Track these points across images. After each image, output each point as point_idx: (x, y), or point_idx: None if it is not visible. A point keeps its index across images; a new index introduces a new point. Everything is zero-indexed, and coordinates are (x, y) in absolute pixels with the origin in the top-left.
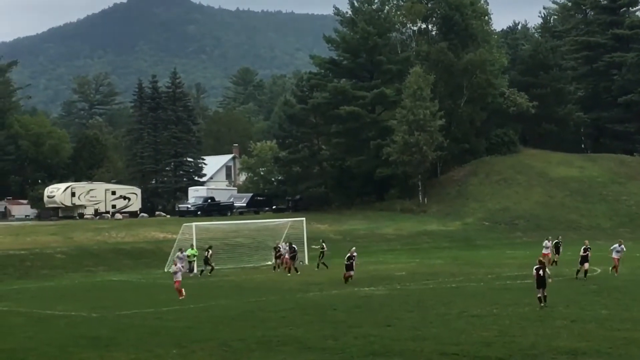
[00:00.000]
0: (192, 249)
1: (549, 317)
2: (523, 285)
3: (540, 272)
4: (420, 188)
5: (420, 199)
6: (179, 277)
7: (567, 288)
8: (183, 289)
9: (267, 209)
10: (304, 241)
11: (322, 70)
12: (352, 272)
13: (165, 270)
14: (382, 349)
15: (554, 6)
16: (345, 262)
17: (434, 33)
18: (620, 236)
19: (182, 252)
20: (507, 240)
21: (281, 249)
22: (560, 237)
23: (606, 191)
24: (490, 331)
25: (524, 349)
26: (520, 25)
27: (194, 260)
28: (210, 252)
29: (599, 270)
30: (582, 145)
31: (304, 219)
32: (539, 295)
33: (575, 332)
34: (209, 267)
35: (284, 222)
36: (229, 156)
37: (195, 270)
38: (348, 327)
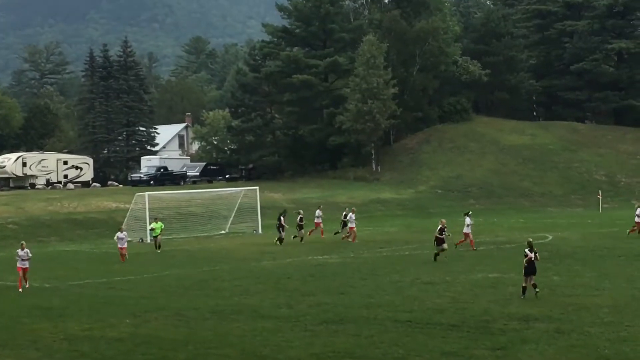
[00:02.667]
0: (156, 222)
1: (501, 283)
2: (475, 252)
3: (532, 256)
4: (373, 156)
5: (374, 167)
6: (26, 264)
7: (520, 255)
8: (25, 281)
9: (220, 178)
10: (257, 210)
11: (275, 39)
12: (445, 245)
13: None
14: (335, 316)
15: None
16: (437, 235)
17: (386, 1)
18: (572, 203)
19: (121, 232)
20: (460, 208)
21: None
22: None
23: (558, 158)
24: (443, 298)
25: (476, 315)
26: None
27: (160, 235)
28: (284, 218)
29: (550, 237)
30: (534, 113)
31: (257, 187)
32: (524, 284)
33: (527, 298)
34: (282, 234)
35: (238, 191)
36: (182, 125)
37: (159, 248)
38: (302, 295)
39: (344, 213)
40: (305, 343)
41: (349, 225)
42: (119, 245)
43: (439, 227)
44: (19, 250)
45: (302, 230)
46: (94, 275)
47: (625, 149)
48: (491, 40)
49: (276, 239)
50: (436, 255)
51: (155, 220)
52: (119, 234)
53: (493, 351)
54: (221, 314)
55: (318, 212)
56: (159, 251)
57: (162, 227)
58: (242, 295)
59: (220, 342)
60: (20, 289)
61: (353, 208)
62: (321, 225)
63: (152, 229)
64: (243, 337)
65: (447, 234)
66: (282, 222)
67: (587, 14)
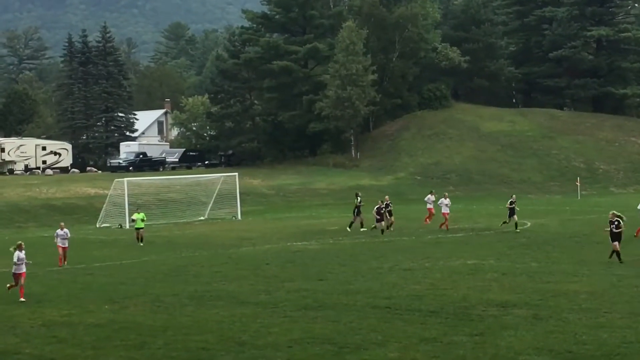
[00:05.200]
0: (138, 212)
1: (479, 270)
2: (454, 239)
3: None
4: (352, 143)
5: (353, 153)
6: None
7: (498, 242)
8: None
9: (199, 164)
10: (236, 196)
11: (254, 25)
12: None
13: (97, 226)
14: (314, 303)
15: None
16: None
17: None
18: (550, 190)
19: (62, 229)
20: (439, 195)
21: (429, 201)
22: None
23: (537, 145)
24: (421, 284)
25: (455, 301)
26: None
27: (143, 227)
28: (360, 199)
29: (529, 224)
30: (513, 100)
31: (236, 174)
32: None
33: (505, 284)
34: (359, 218)
35: (217, 177)
36: (161, 111)
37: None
38: (281, 281)
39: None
40: (284, 329)
41: (442, 210)
42: (59, 244)
43: (611, 219)
44: (19, 252)
45: (392, 217)
46: (72, 261)
47: (604, 136)
48: (471, 27)
49: (373, 226)
50: (617, 255)
51: (137, 210)
52: (58, 231)
53: (471, 337)
54: (200, 300)
55: (430, 197)
56: (141, 244)
57: (144, 217)
58: (221, 281)
59: (199, 328)
60: (22, 299)
61: (445, 193)
62: (433, 210)
63: (133, 220)
64: (222, 323)
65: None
66: (380, 211)
67: (566, 1)
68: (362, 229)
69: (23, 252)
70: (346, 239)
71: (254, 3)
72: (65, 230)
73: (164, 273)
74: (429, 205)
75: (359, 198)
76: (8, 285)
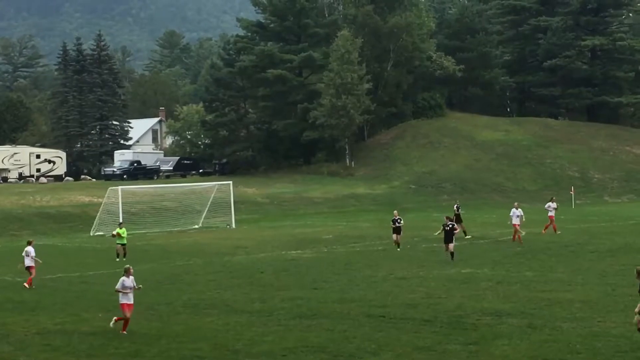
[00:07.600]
0: (120, 227)
1: (474, 279)
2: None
3: None
4: (347, 151)
5: (348, 162)
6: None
7: (493, 250)
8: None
9: (193, 172)
10: (230, 205)
11: (249, 34)
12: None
13: (91, 234)
14: (309, 311)
15: None
16: None
17: None
18: (545, 199)
19: (30, 244)
20: (434, 203)
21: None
22: None
23: (531, 154)
24: (416, 293)
25: (449, 310)
26: None
27: (125, 244)
28: (457, 206)
29: (524, 233)
30: (508, 109)
31: (230, 182)
32: None
33: (500, 293)
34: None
35: (211, 186)
36: (156, 119)
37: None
38: (275, 290)
39: (456, 205)
40: (278, 337)
41: (549, 214)
42: (30, 264)
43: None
44: (125, 278)
45: (462, 224)
46: (66, 270)
47: (599, 145)
48: (465, 36)
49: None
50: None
51: (120, 224)
52: (30, 249)
53: (466, 346)
54: (194, 308)
55: (551, 204)
56: (117, 260)
57: (124, 233)
58: (215, 289)
59: (193, 336)
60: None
61: (515, 203)
62: (553, 218)
63: (113, 235)
64: (216, 331)
65: None
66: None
67: (561, 10)
68: (465, 237)
69: (131, 277)
70: (340, 248)
71: (249, 12)
72: (29, 249)
73: (158, 281)
74: (550, 213)
75: (455, 206)
76: (115, 318)
